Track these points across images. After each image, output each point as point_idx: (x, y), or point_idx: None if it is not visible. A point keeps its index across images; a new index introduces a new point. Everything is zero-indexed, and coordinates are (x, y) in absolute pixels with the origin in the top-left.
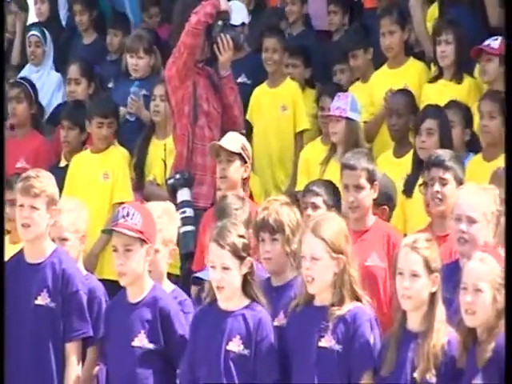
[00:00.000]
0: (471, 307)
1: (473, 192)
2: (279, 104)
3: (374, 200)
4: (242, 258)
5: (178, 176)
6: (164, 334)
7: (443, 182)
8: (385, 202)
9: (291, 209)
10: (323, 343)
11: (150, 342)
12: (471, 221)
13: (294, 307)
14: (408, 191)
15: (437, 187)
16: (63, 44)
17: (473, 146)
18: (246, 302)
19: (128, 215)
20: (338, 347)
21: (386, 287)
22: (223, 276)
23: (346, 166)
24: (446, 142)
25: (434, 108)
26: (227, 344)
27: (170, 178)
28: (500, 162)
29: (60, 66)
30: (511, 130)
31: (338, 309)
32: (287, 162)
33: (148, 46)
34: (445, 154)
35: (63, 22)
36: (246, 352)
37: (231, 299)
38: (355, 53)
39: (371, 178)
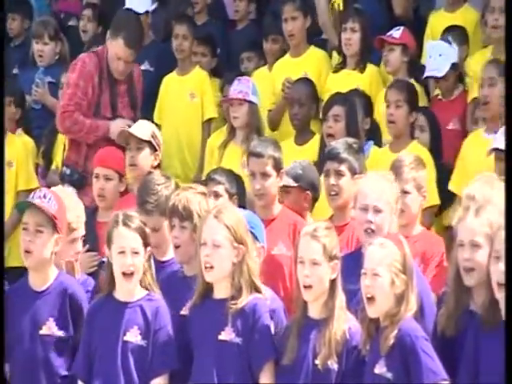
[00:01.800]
0: (369, 291)
1: (375, 181)
2: (188, 92)
3: (299, 185)
4: (146, 246)
5: (68, 172)
6: (73, 322)
7: (339, 174)
8: (308, 188)
9: (204, 198)
10: (223, 336)
11: (60, 329)
12: (377, 210)
13: (194, 300)
14: None
15: (332, 180)
16: None
17: (373, 134)
18: (144, 292)
19: (45, 197)
20: (237, 340)
21: (293, 276)
22: (134, 261)
23: (252, 154)
24: (352, 129)
25: (341, 95)
26: (124, 335)
27: (62, 171)
28: (409, 150)
29: None
30: (511, 129)
31: (237, 302)
32: (196, 149)
33: (54, 32)
34: (339, 145)
35: None
36: (143, 343)
37: (135, 289)
38: (276, 37)
39: (278, 166)
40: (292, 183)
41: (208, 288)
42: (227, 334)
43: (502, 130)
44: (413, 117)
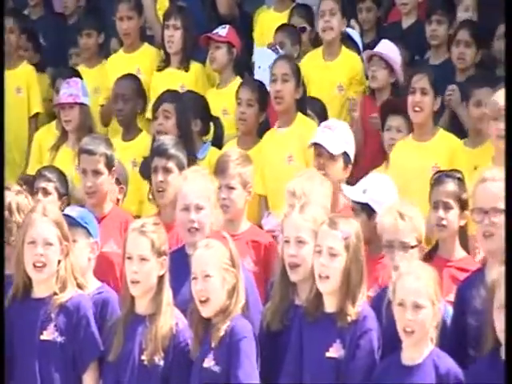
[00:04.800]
0: (203, 294)
1: (192, 179)
2: (14, 86)
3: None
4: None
5: None
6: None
7: (167, 171)
8: (123, 182)
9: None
10: (45, 336)
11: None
12: (199, 208)
13: (12, 299)
14: (146, 174)
15: (160, 177)
16: None
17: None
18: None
19: None
20: (60, 339)
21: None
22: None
23: (84, 151)
24: (183, 126)
25: (171, 92)
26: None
27: None
28: (253, 150)
29: None
30: (511, 132)
31: (59, 298)
32: (24, 145)
33: None
34: (168, 141)
35: None
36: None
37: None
38: (90, 32)
39: (110, 164)
40: None
41: (26, 287)
42: (50, 334)
43: (321, 128)
44: (262, 116)
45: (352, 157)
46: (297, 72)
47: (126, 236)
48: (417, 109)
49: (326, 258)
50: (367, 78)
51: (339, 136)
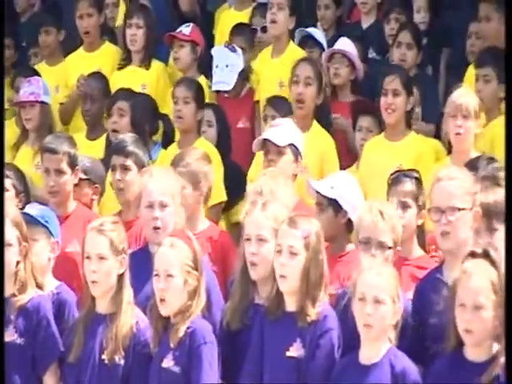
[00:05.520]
0: (163, 293)
1: (157, 176)
2: None
3: (88, 179)
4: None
5: None
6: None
7: (125, 169)
8: (98, 182)
9: None
10: (5, 337)
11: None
12: (163, 205)
13: None
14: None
15: (118, 175)
16: None
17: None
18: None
19: None
20: (20, 340)
21: None
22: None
23: (46, 150)
24: (137, 124)
25: (125, 91)
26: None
27: None
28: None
29: None
30: (510, 127)
31: (18, 300)
32: None
33: None
34: (126, 138)
35: None
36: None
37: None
38: (49, 29)
39: (73, 163)
40: (82, 176)
41: None
42: (9, 335)
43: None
44: (200, 114)
45: (301, 150)
46: (319, 76)
47: (84, 235)
48: (389, 110)
49: (286, 258)
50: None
51: (284, 130)
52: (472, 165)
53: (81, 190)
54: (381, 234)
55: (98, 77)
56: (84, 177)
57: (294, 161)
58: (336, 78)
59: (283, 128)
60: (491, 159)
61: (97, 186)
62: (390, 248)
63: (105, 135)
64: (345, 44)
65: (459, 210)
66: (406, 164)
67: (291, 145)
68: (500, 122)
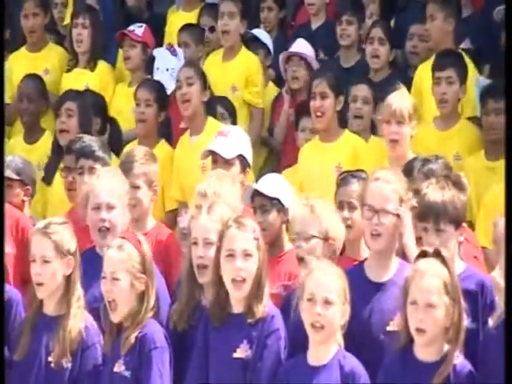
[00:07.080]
0: (110, 296)
1: (103, 178)
2: None
3: (21, 179)
4: None
5: None
6: None
7: (93, 173)
8: (29, 183)
9: None
10: None
11: None
12: (110, 207)
13: None
14: (48, 177)
15: (86, 178)
16: None
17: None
18: None
19: None
20: None
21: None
22: None
23: None
24: (85, 124)
25: (73, 91)
26: None
27: None
28: (158, 149)
29: None
30: (511, 129)
31: None
32: None
33: None
34: (93, 143)
35: None
36: None
37: None
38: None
39: None
40: (14, 176)
41: None
42: None
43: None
44: (162, 116)
45: (250, 160)
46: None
47: (30, 237)
48: (318, 114)
49: (242, 261)
50: (280, 78)
51: (233, 141)
52: (408, 167)
53: (12, 191)
54: (307, 225)
55: (35, 78)
56: (16, 177)
57: (241, 171)
58: (295, 81)
59: (231, 138)
60: (427, 160)
61: (28, 187)
62: (314, 237)
63: (45, 136)
64: (302, 46)
65: (392, 214)
66: (344, 163)
67: (239, 155)
68: (466, 126)
